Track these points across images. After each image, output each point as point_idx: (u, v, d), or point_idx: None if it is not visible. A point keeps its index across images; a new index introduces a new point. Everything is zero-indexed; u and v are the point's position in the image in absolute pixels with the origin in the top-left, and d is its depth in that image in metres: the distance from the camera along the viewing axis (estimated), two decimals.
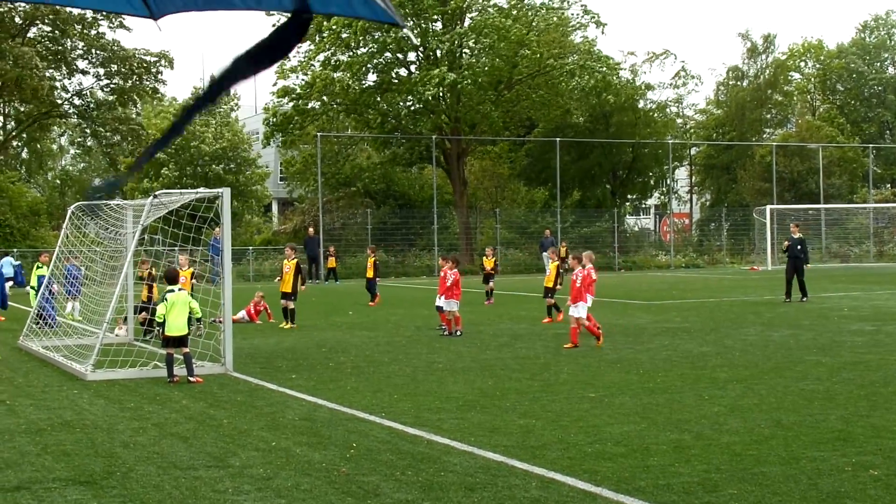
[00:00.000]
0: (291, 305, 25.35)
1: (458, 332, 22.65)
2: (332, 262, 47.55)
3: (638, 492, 9.03)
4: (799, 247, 31.55)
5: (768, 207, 59.91)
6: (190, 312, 16.79)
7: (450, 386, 15.52)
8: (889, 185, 77.11)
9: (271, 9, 3.57)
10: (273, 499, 9.05)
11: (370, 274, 33.91)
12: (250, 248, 55.18)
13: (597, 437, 11.40)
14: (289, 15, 3.05)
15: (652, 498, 8.81)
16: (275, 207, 79.57)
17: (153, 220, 21.41)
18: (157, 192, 19.04)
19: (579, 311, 20.20)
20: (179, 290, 16.71)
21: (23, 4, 46.44)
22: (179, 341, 16.56)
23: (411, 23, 54.99)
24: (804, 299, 30.77)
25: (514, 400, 14.10)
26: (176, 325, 16.48)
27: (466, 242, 58.47)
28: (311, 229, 50.79)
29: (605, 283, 40.00)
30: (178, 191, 22.95)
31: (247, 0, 3.40)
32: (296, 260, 25.63)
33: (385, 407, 13.65)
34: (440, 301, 22.95)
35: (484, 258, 35.71)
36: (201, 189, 20.49)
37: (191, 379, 16.33)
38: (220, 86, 3.08)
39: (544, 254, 54.14)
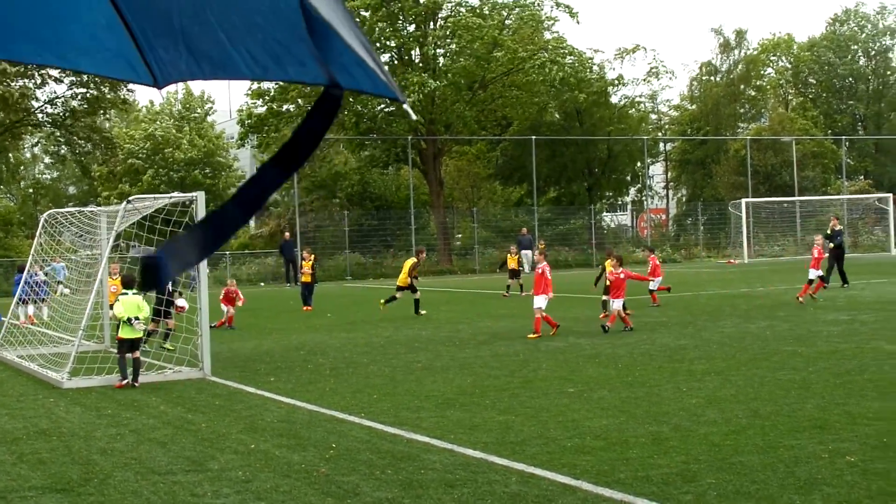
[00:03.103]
0: None
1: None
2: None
3: (617, 484, 9.04)
4: (838, 238, 33.29)
5: (743, 201, 60.18)
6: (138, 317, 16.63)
7: (429, 385, 15.52)
8: (862, 177, 77.53)
9: (279, 80, 3.53)
10: (252, 501, 9.03)
11: (308, 279, 32.87)
12: (227, 252, 54.98)
13: (576, 432, 11.42)
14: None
15: (631, 490, 8.82)
16: None
17: (128, 226, 21.34)
18: (130, 198, 18.95)
19: (539, 301, 21.65)
20: (134, 293, 16.67)
21: None
22: (133, 344, 16.54)
23: (386, 26, 55.01)
24: (845, 286, 32.18)
25: (493, 397, 14.11)
26: (129, 328, 16.51)
27: (444, 242, 58.50)
28: (286, 233, 50.71)
29: (583, 279, 40.03)
30: (152, 196, 22.87)
31: (254, 70, 3.36)
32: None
33: (364, 407, 13.64)
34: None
35: (508, 256, 36.53)
36: (175, 193, 20.40)
37: (135, 384, 16.32)
38: (258, 201, 2.96)
39: (523, 252, 54.26)
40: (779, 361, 16.53)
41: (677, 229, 72.45)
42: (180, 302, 22.42)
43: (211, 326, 19.90)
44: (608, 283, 23.34)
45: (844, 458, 9.66)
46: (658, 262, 29.15)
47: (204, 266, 18.28)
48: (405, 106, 3.07)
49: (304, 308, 31.47)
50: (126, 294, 16.69)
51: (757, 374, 15.23)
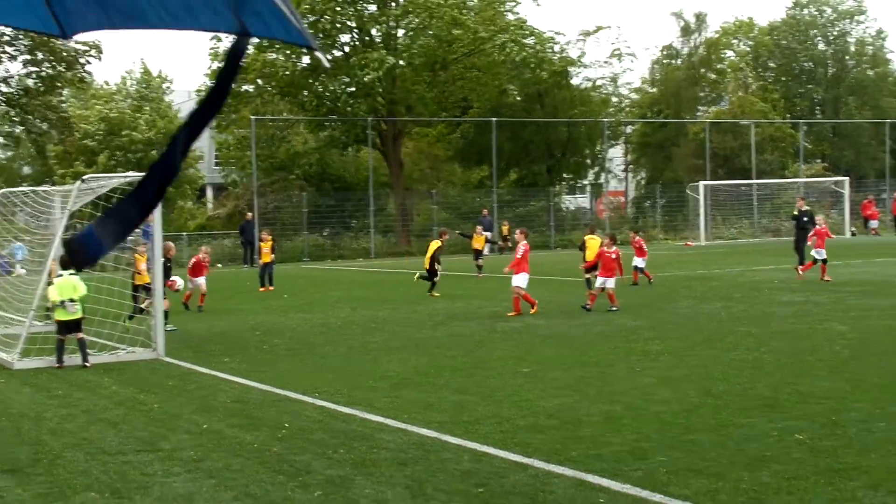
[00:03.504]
0: None
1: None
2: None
3: (569, 461, 9.08)
4: (805, 218, 33.19)
5: (701, 184, 60.40)
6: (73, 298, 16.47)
7: (384, 365, 15.50)
8: (819, 160, 78.05)
9: (191, 29, 3.48)
10: (203, 479, 8.99)
11: (268, 259, 32.61)
12: (184, 233, 54.67)
13: (529, 411, 11.44)
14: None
15: (582, 467, 8.86)
16: (209, 192, 78.89)
17: (83, 207, 21.11)
18: (84, 177, 18.75)
19: (520, 280, 21.97)
20: (71, 274, 16.47)
21: None
22: (73, 325, 16.39)
23: (347, 6, 54.72)
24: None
25: (448, 377, 14.12)
26: (64, 311, 16.34)
27: (403, 224, 58.37)
28: (248, 213, 50.41)
29: (542, 260, 40.07)
30: (107, 175, 22.66)
31: (165, 19, 3.30)
32: None
33: (318, 387, 13.60)
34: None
35: (475, 236, 37.15)
36: (130, 173, 20.22)
37: (86, 364, 16.18)
38: (187, 141, 2.98)
39: (484, 233, 54.30)
40: (732, 342, 16.64)
41: (636, 212, 72.66)
42: (175, 279, 22.64)
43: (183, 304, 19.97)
44: (585, 261, 24.79)
45: (793, 435, 9.74)
46: (644, 243, 29.71)
47: (158, 247, 18.10)
48: (317, 53, 3.06)
49: (261, 289, 31.31)
50: (61, 276, 16.47)
51: (710, 355, 15.33)
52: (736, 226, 64.32)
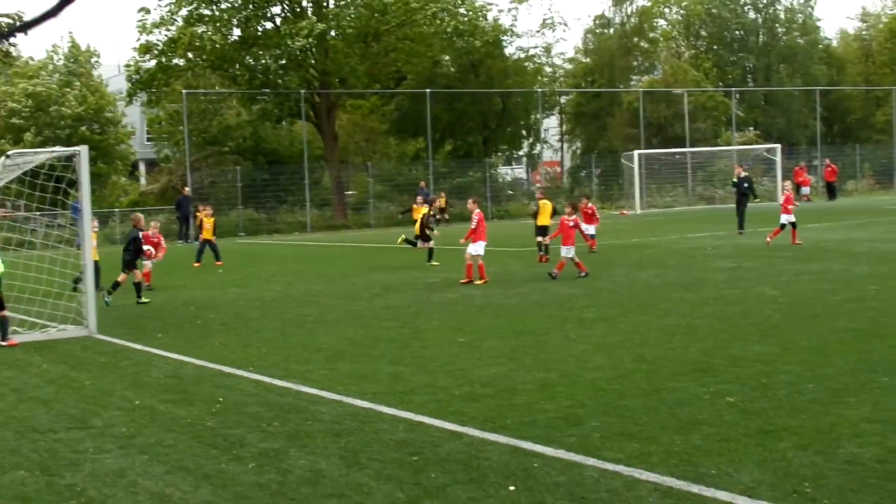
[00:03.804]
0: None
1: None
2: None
3: (503, 429, 9.11)
4: (746, 185, 35.02)
5: (636, 153, 60.76)
6: None
7: (320, 337, 15.45)
8: (752, 128, 78.79)
9: None
10: (135, 455, 8.91)
11: (210, 235, 32.74)
12: (116, 209, 54.00)
13: (465, 380, 11.46)
14: None
15: (517, 434, 8.89)
16: (142, 167, 77.97)
17: (10, 183, 20.75)
18: (9, 153, 18.41)
19: (477, 248, 22.45)
20: None
21: None
22: None
23: None
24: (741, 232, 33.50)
25: (383, 348, 14.10)
26: None
27: (339, 197, 58.13)
28: (186, 188, 49.91)
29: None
30: (33, 150, 22.29)
31: None
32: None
33: (253, 361, 13.53)
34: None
35: (414, 208, 36.67)
36: (57, 148, 19.89)
37: (2, 343, 15.95)
38: None
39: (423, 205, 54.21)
40: (666, 308, 16.79)
41: (572, 182, 72.97)
42: (148, 248, 22.62)
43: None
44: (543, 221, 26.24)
45: (725, 399, 9.86)
46: (595, 209, 30.36)
47: (88, 223, 17.83)
48: None
49: (196, 264, 31.11)
50: None
51: (644, 321, 15.45)
52: (671, 194, 64.83)
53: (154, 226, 26.39)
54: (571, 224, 23.15)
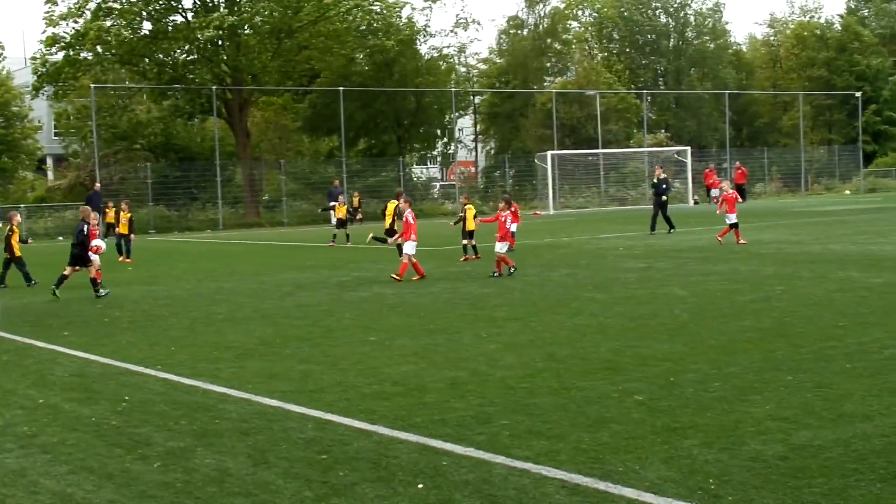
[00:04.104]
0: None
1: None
2: (110, 218, 46.10)
3: (413, 427, 9.08)
4: (664, 186, 35.77)
5: (549, 153, 61.22)
6: None
7: (229, 336, 15.29)
8: (663, 131, 79.86)
9: None
10: (37, 455, 8.73)
11: (126, 230, 32.78)
12: (22, 205, 52.99)
13: (375, 379, 11.42)
14: None
15: (427, 433, 8.87)
16: (49, 162, 76.63)
17: None
18: None
19: (409, 247, 22.54)
20: None
21: None
22: None
23: None
24: (672, 230, 34.36)
25: (294, 346, 14.00)
26: None
27: (251, 194, 57.72)
28: (97, 184, 49.13)
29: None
30: None
31: None
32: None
33: (161, 359, 13.34)
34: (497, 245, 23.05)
35: (336, 206, 37.59)
36: None
37: None
38: None
39: (332, 203, 54.00)
40: (577, 307, 16.90)
41: (486, 182, 73.27)
42: (97, 243, 22.21)
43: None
44: (469, 225, 26.61)
45: (633, 397, 9.94)
46: (517, 208, 30.40)
47: None
48: None
49: (121, 259, 30.98)
50: None
51: (556, 320, 15.53)
52: (584, 195, 65.41)
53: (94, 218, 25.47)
54: (504, 220, 23.28)
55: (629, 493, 7.03)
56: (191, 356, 13.53)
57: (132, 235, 32.99)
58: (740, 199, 30.76)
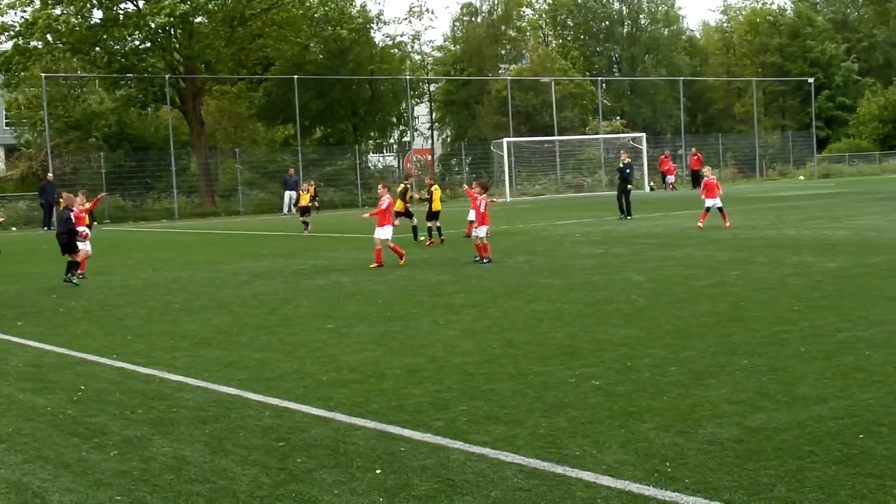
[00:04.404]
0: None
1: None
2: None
3: (371, 414, 9.09)
4: (628, 170, 36.19)
5: (505, 140, 61.28)
6: None
7: (185, 325, 15.22)
8: (618, 117, 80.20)
9: None
10: None
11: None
12: None
13: (332, 366, 11.41)
14: None
15: (384, 419, 8.88)
16: (1, 153, 75.79)
17: None
18: None
19: (385, 233, 22.54)
20: None
21: None
22: None
23: None
24: (628, 218, 34.68)
25: (250, 335, 13.95)
26: None
27: (206, 184, 57.36)
28: (49, 174, 48.62)
29: (349, 219, 40.23)
30: None
31: None
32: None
33: (117, 349, 13.25)
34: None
35: (302, 193, 38.07)
36: None
37: None
38: None
39: (287, 192, 53.89)
40: (534, 294, 16.95)
41: (443, 169, 73.28)
42: (82, 229, 22.27)
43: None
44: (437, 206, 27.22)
45: (590, 381, 9.99)
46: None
47: None
48: None
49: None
50: None
51: (513, 306, 15.57)
52: (540, 182, 65.54)
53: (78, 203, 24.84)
54: (480, 204, 23.18)
55: (587, 476, 7.07)
56: (147, 345, 13.45)
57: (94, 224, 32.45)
58: (719, 188, 30.91)
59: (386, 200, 23.08)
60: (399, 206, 28.73)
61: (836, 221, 29.85)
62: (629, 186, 35.78)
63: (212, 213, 54.88)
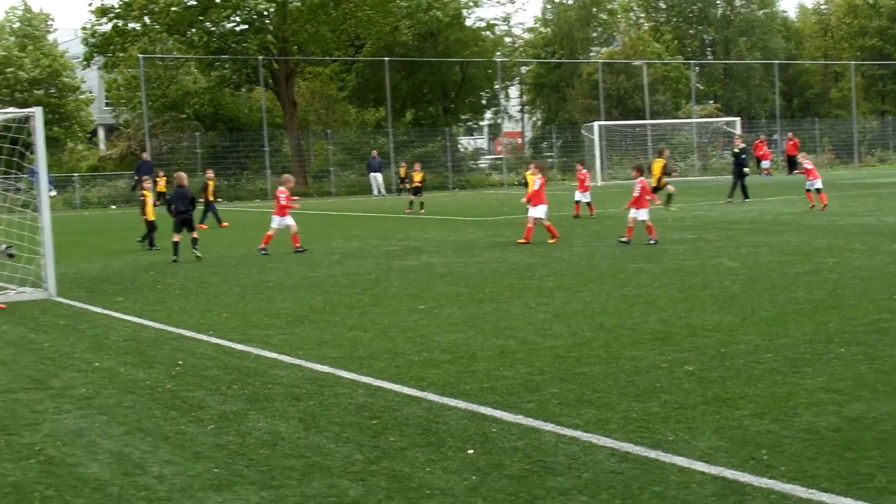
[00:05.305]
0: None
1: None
2: (161, 187, 46.49)
3: (462, 395, 9.13)
4: (743, 156, 37.49)
5: (596, 124, 60.89)
6: None
7: (279, 303, 15.41)
8: (712, 101, 79.21)
9: None
10: (94, 416, 8.87)
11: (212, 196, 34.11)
12: (76, 174, 53.56)
13: (424, 346, 11.47)
14: None
15: (476, 400, 8.92)
16: (101, 133, 77.25)
17: None
18: None
19: (539, 212, 23.62)
20: None
21: None
22: None
23: None
24: (746, 200, 35.41)
25: (343, 314, 14.08)
26: None
27: (299, 165, 57.90)
28: (145, 154, 49.47)
29: (439, 201, 40.34)
30: None
31: None
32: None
33: (213, 325, 13.48)
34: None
35: (413, 173, 38.62)
36: (10, 109, 19.64)
37: None
38: None
39: (372, 175, 54.29)
40: (625, 278, 16.86)
41: (533, 152, 73.07)
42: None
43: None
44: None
45: (683, 367, 9.92)
46: (588, 175, 32.65)
47: (44, 185, 17.65)
48: None
49: (201, 226, 31.49)
50: None
51: (604, 290, 15.51)
52: (632, 166, 64.93)
53: (286, 181, 25.24)
54: (639, 187, 23.09)
55: (681, 461, 7.03)
56: (242, 322, 13.66)
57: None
58: (817, 176, 30.78)
59: (538, 181, 23.86)
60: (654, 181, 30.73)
61: None
62: (745, 170, 37.06)
63: (304, 193, 55.40)
